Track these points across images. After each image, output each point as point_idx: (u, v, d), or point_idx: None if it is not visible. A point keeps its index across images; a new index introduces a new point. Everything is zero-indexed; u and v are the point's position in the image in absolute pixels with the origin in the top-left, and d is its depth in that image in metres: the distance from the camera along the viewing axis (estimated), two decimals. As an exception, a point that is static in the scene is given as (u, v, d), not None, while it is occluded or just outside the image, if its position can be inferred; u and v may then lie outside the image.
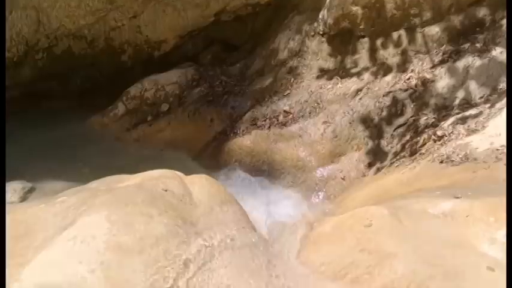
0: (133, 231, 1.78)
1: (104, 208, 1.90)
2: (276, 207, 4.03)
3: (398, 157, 3.70)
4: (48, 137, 4.83)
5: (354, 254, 1.92)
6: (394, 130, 3.95)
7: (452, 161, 3.04)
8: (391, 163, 3.72)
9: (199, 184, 2.79)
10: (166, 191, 2.44)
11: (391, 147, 3.90)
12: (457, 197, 2.36)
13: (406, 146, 3.74)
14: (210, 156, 4.65)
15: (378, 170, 3.83)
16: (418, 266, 1.65)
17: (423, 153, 3.43)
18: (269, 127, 4.47)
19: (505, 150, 2.82)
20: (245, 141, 4.50)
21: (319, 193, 4.12)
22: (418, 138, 3.66)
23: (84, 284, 1.50)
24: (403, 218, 2.23)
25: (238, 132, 4.58)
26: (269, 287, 1.79)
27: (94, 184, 2.90)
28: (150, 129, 4.93)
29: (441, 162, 3.11)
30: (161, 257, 1.71)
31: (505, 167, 2.61)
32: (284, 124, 4.43)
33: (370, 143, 4.02)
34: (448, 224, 2.15)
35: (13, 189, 3.73)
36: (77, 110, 5.35)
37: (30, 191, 3.84)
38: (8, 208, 2.45)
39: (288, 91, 4.62)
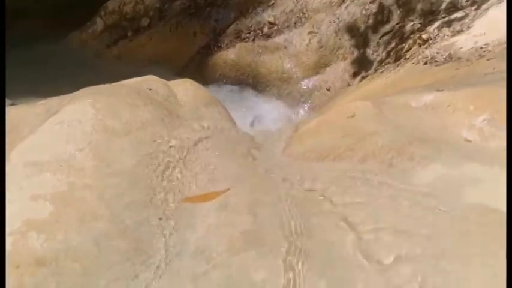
0: (119, 117, 1.79)
1: (88, 97, 1.89)
2: (261, 118, 4.08)
3: (383, 64, 3.69)
4: (27, 56, 4.70)
5: (336, 139, 1.98)
6: (380, 38, 3.91)
7: (436, 61, 3.05)
8: (376, 70, 3.72)
9: (184, 87, 2.78)
10: (150, 90, 2.43)
11: (376, 56, 3.89)
12: (439, 90, 2.40)
13: (391, 53, 3.72)
14: (194, 71, 4.58)
15: (363, 78, 3.85)
16: (398, 137, 1.71)
17: (408, 58, 3.43)
18: (253, 39, 4.38)
19: (489, 48, 2.83)
20: (229, 55, 4.43)
21: (305, 104, 4.16)
22: (404, 44, 3.64)
23: (73, 161, 1.53)
24: (385, 110, 2.27)
25: (222, 45, 4.49)
26: (255, 168, 1.84)
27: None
28: (131, 44, 4.79)
29: (425, 63, 3.12)
30: (148, 139, 1.74)
31: (487, 62, 2.63)
32: (269, 36, 4.33)
33: (356, 52, 3.99)
34: (430, 114, 2.21)
35: (-7, 106, 3.69)
36: (54, 28, 5.13)
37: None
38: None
39: (273, 1, 4.45)
